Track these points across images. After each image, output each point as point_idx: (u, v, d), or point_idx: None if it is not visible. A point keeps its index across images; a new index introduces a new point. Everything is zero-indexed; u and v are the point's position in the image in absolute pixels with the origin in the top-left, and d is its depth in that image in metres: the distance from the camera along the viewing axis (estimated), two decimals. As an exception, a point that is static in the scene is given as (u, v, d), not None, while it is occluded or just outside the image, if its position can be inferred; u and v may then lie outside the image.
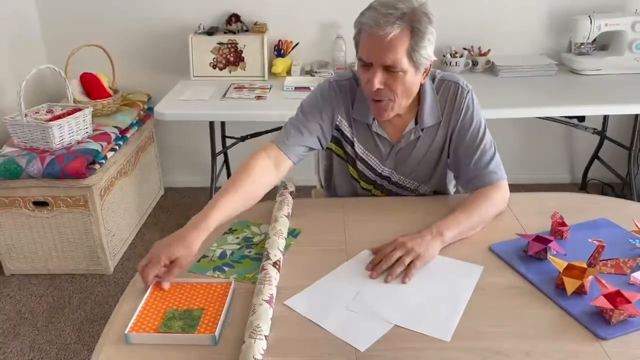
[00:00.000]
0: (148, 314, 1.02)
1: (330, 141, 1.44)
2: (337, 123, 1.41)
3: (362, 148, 1.42)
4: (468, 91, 1.36)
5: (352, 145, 1.42)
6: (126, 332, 0.97)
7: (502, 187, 1.34)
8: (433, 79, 1.36)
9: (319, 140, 1.40)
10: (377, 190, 1.49)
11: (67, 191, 2.20)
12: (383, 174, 1.45)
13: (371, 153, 1.42)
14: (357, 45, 1.27)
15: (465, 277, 1.11)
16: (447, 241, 1.20)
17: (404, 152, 1.40)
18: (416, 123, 1.36)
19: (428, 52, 1.23)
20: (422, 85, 1.32)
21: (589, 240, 1.13)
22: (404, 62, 1.21)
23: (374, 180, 1.47)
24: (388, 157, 1.41)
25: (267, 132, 2.68)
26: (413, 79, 1.25)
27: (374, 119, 1.37)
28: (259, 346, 0.91)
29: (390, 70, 1.22)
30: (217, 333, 0.96)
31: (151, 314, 1.02)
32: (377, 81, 1.22)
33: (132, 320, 1.00)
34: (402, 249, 1.14)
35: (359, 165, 1.45)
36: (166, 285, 1.08)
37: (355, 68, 1.39)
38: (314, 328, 0.99)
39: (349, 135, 1.41)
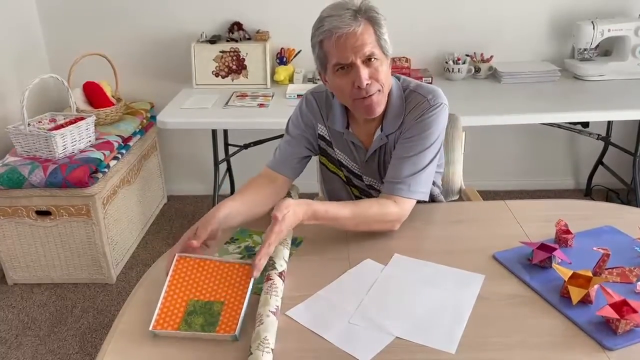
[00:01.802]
0: (170, 306, 1.04)
1: (320, 154, 1.48)
2: (320, 132, 1.44)
3: (341, 153, 1.44)
4: (434, 107, 1.30)
5: (335, 151, 1.45)
6: (150, 328, 0.99)
7: (402, 204, 1.26)
8: (405, 89, 1.36)
9: (309, 149, 1.45)
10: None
11: (70, 200, 2.20)
12: (367, 183, 1.45)
13: (351, 159, 1.44)
14: (325, 58, 1.27)
15: (466, 287, 1.10)
16: (300, 221, 1.16)
17: (378, 160, 1.40)
18: (382, 130, 1.36)
19: (387, 37, 1.27)
20: (390, 93, 1.33)
21: (594, 248, 1.11)
22: (378, 52, 1.24)
23: (366, 190, 1.47)
24: (365, 164, 1.42)
25: (269, 139, 2.68)
26: (387, 69, 1.28)
27: (347, 127, 1.39)
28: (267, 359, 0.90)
29: (370, 62, 1.24)
30: (237, 332, 0.98)
31: (172, 306, 1.04)
32: (365, 76, 1.23)
33: (155, 314, 1.02)
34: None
35: (345, 172, 1.47)
36: (195, 244, 1.10)
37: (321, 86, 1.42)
38: (316, 339, 0.98)
39: (331, 141, 1.44)
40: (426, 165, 1.30)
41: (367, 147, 1.40)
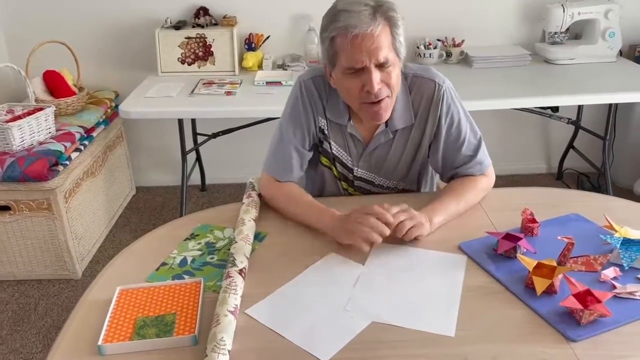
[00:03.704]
0: (117, 325, 0.97)
1: (317, 148, 1.41)
2: (320, 125, 1.35)
3: (337, 147, 1.38)
4: (445, 87, 1.30)
5: (330, 145, 1.38)
6: (99, 343, 0.92)
7: (489, 174, 1.36)
8: (406, 77, 1.30)
9: (312, 148, 1.39)
10: (353, 190, 1.45)
11: (29, 194, 2.12)
12: (357, 175, 1.40)
13: (345, 152, 1.38)
14: (335, 56, 1.19)
15: (452, 269, 1.10)
16: (434, 227, 1.20)
17: (378, 155, 1.36)
18: (386, 125, 1.31)
19: (403, 39, 1.20)
20: None
21: (558, 237, 1.10)
22: (392, 56, 1.18)
23: (352, 182, 1.43)
24: (360, 158, 1.37)
25: (238, 128, 2.63)
26: (398, 71, 1.22)
27: (349, 119, 1.32)
28: None
29: (382, 66, 1.17)
30: (196, 333, 0.94)
31: (120, 325, 0.97)
32: (377, 80, 1.17)
33: (103, 332, 0.95)
34: (407, 213, 1.15)
35: (338, 166, 1.41)
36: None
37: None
38: (276, 338, 0.94)
39: (328, 134, 1.36)
40: (476, 132, 1.34)
41: (366, 142, 1.35)
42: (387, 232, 1.12)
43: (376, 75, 1.16)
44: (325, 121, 1.35)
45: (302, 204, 1.28)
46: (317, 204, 1.26)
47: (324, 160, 1.42)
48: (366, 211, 1.13)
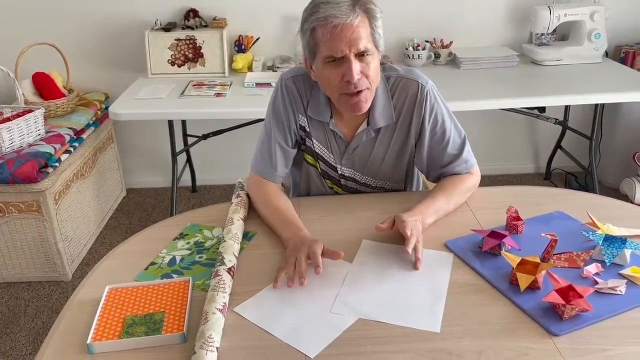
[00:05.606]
0: (106, 323, 0.98)
1: (299, 147, 1.42)
2: (300, 123, 1.37)
3: (319, 145, 1.39)
4: (429, 88, 1.32)
5: (313, 143, 1.39)
6: (88, 341, 0.93)
7: (475, 172, 1.39)
8: (388, 79, 1.33)
9: (295, 145, 1.40)
10: (341, 189, 1.46)
11: (19, 196, 2.11)
12: (342, 173, 1.42)
13: (327, 150, 1.39)
14: (315, 47, 1.21)
15: (438, 266, 1.11)
16: (426, 227, 1.22)
17: (361, 153, 1.38)
18: (368, 124, 1.33)
19: (382, 32, 1.23)
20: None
21: (542, 234, 1.12)
22: (371, 47, 1.20)
23: (338, 180, 1.44)
24: (343, 156, 1.38)
25: (228, 129, 2.63)
26: (377, 63, 1.24)
27: (331, 117, 1.34)
28: (211, 359, 0.87)
29: (362, 56, 1.19)
30: (185, 331, 0.94)
31: (109, 323, 0.98)
32: (356, 70, 1.18)
33: (92, 330, 0.96)
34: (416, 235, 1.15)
35: (321, 164, 1.42)
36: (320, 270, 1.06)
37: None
38: (264, 335, 0.95)
39: (310, 132, 1.38)
40: (461, 132, 1.36)
41: (348, 140, 1.36)
42: (298, 283, 1.07)
43: (356, 65, 1.18)
44: (305, 119, 1.36)
45: (274, 209, 1.28)
46: (288, 215, 1.26)
47: (308, 158, 1.43)
48: (314, 253, 1.09)
